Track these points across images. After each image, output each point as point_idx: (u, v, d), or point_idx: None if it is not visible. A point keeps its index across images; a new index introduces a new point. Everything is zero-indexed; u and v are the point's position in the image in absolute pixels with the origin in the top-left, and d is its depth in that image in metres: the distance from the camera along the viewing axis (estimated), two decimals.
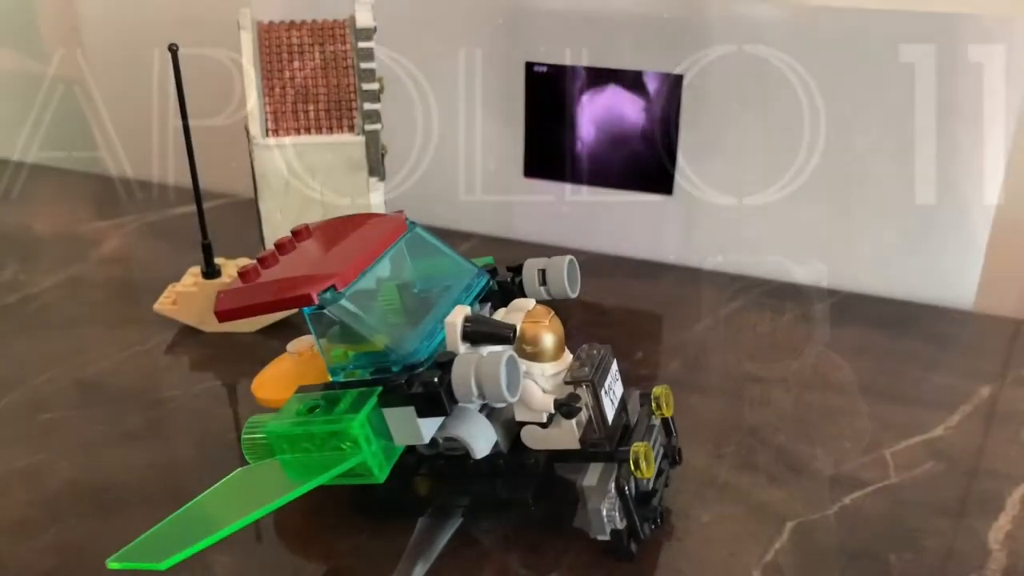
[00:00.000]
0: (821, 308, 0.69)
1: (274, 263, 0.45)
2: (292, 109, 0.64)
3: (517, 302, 0.46)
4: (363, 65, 0.64)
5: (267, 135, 0.64)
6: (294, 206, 0.66)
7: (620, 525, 0.44)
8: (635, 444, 0.43)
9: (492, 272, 0.50)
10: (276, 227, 0.66)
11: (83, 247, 0.80)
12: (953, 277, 0.69)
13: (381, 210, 0.69)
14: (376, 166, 0.66)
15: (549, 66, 0.76)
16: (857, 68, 0.67)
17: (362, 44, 0.64)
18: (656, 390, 0.48)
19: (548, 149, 0.78)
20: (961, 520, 0.48)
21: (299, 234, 0.48)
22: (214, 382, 0.62)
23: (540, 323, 0.44)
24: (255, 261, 0.45)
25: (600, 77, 0.74)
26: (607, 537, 0.44)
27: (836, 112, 0.69)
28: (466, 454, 0.45)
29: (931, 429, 0.55)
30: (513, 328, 0.43)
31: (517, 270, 0.50)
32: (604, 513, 0.43)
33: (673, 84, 0.73)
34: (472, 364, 0.40)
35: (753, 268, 0.74)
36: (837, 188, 0.71)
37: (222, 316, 0.44)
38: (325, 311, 0.42)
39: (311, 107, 0.64)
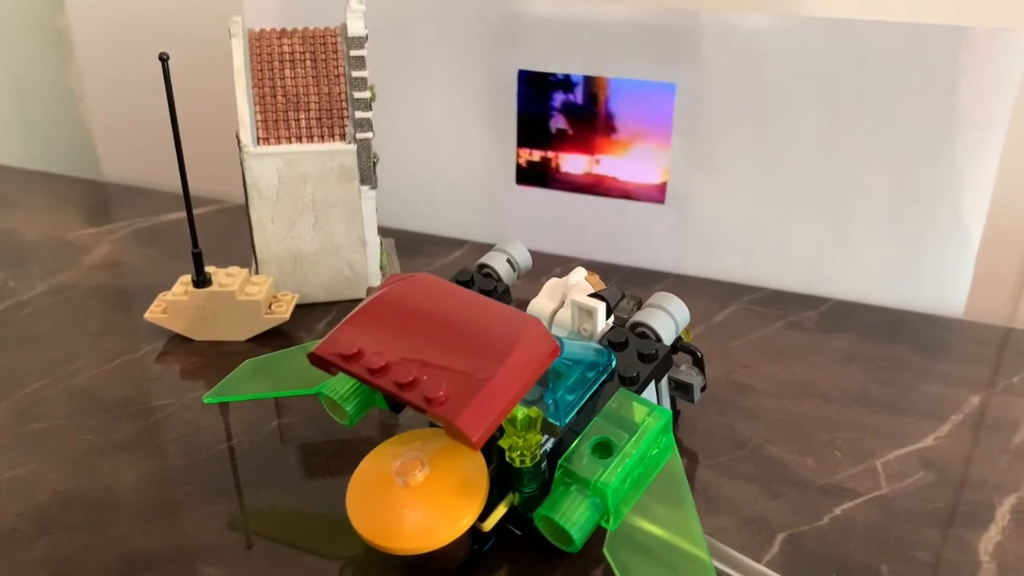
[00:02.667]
0: (812, 316, 0.69)
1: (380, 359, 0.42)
2: (283, 117, 0.64)
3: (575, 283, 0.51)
4: (354, 73, 0.64)
5: (258, 143, 0.64)
6: (285, 214, 0.66)
7: None
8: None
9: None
10: (267, 235, 0.66)
11: (73, 253, 0.80)
12: (944, 285, 0.69)
13: (372, 219, 0.69)
14: (368, 174, 0.66)
15: (541, 74, 0.76)
16: (849, 78, 0.68)
17: (354, 52, 0.64)
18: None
19: (540, 157, 0.78)
20: (952, 531, 0.48)
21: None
22: (205, 391, 0.61)
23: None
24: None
25: (592, 85, 0.74)
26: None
27: (829, 121, 0.69)
28: None
29: (922, 439, 0.55)
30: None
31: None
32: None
33: (666, 93, 0.73)
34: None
35: (745, 276, 0.74)
36: (829, 196, 0.71)
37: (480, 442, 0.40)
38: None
39: (302, 115, 0.64)
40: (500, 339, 0.41)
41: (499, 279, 0.56)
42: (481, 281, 0.55)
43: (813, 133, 0.70)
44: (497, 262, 0.57)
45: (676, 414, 0.56)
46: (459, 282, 0.54)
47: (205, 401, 0.54)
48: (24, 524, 0.49)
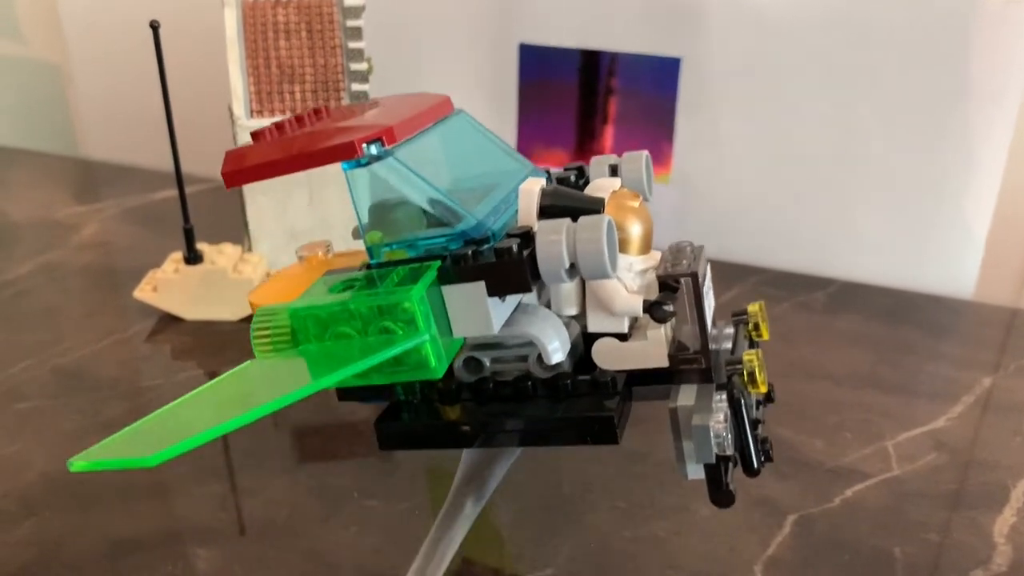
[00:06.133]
0: (819, 297, 0.68)
1: (296, 128, 0.36)
2: (277, 89, 0.62)
3: (598, 182, 0.38)
4: (351, 44, 0.62)
5: (251, 116, 0.62)
6: (278, 190, 0.64)
7: (728, 450, 0.35)
8: (746, 353, 0.35)
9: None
10: (260, 211, 0.65)
11: (61, 233, 0.78)
12: (953, 266, 0.68)
13: None
14: None
15: (543, 47, 0.74)
16: (858, 54, 0.66)
17: (350, 23, 0.62)
18: (752, 307, 0.39)
19: (541, 133, 0.76)
20: (965, 513, 0.47)
21: (317, 112, 0.39)
22: (195, 371, 0.60)
23: (629, 206, 0.36)
24: (270, 126, 0.36)
25: (595, 60, 0.73)
26: (711, 460, 0.35)
27: (837, 99, 0.68)
28: (520, 378, 0.37)
29: (933, 420, 0.54)
30: (602, 202, 0.35)
31: (579, 171, 0.41)
32: (712, 431, 0.34)
33: (671, 68, 0.71)
34: (563, 228, 0.32)
35: (751, 256, 0.73)
36: (836, 175, 0.69)
37: (232, 177, 0.35)
38: (371, 167, 0.34)
39: (297, 87, 0.62)
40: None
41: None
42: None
43: (821, 109, 0.68)
44: (599, 169, 0.42)
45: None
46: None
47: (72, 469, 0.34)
48: (10, 505, 0.47)
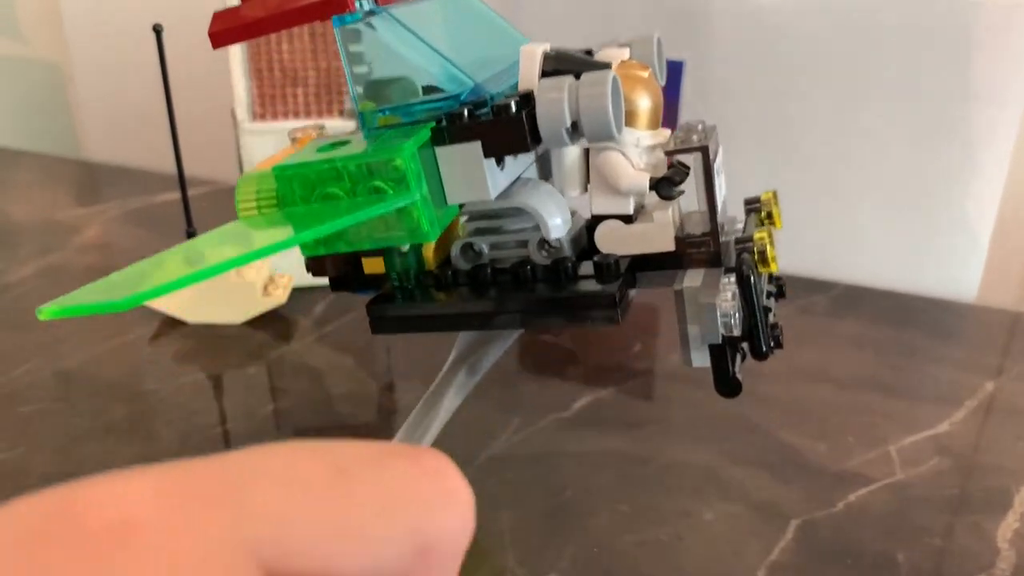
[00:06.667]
0: (822, 300, 0.67)
1: None
2: (280, 92, 0.62)
3: (605, 51, 0.36)
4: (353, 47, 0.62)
5: (254, 119, 0.62)
6: None
7: (735, 331, 0.33)
8: (757, 231, 0.33)
9: None
10: None
11: (62, 234, 0.78)
12: (956, 269, 0.68)
13: None
14: None
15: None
16: (862, 58, 0.66)
17: None
18: (764, 195, 0.38)
19: None
20: (969, 518, 0.46)
21: None
22: (198, 374, 0.60)
23: (637, 75, 0.34)
24: None
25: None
26: (717, 340, 0.33)
27: (840, 102, 0.68)
28: (518, 263, 0.35)
29: (936, 424, 0.54)
30: (609, 67, 0.33)
31: (587, 53, 0.39)
32: (719, 309, 0.32)
33: (674, 71, 0.71)
34: (565, 85, 0.30)
35: None
36: (839, 177, 0.69)
37: (220, 36, 0.33)
38: (363, 24, 0.32)
39: (300, 90, 0.62)
40: None
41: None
42: None
43: (824, 113, 0.68)
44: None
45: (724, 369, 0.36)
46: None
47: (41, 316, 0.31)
48: None
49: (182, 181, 0.61)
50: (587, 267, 0.35)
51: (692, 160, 0.33)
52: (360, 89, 0.33)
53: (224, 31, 0.33)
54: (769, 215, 0.37)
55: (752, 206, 0.38)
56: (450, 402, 0.39)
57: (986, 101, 0.64)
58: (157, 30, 0.55)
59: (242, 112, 0.62)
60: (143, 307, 0.64)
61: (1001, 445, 0.52)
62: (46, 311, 0.26)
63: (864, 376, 0.58)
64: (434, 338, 0.63)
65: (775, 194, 0.37)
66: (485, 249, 0.36)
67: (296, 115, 0.62)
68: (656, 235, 0.34)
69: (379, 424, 0.55)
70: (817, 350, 0.61)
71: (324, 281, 0.71)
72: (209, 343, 0.62)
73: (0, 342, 0.63)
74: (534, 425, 0.53)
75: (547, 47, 0.33)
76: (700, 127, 0.35)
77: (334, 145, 0.32)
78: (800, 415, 0.54)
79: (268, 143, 0.62)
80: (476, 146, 0.31)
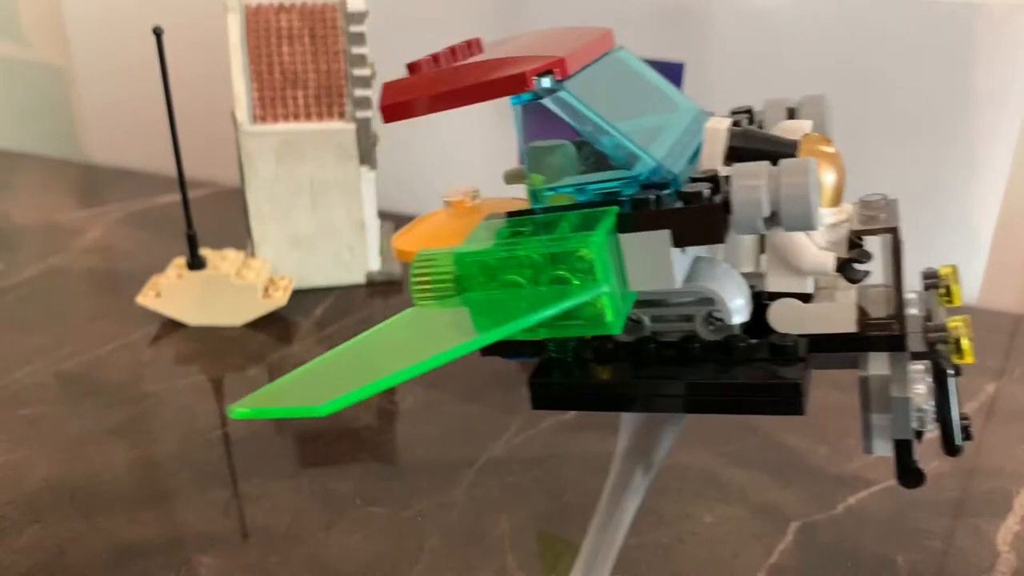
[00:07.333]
0: None
1: (452, 60, 0.34)
2: (280, 95, 0.62)
3: (785, 124, 0.35)
4: (354, 50, 0.62)
5: (254, 122, 0.62)
6: (282, 195, 0.64)
7: (927, 425, 0.32)
8: (951, 319, 0.32)
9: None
10: (263, 217, 0.65)
11: (64, 236, 0.78)
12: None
13: (372, 201, 0.67)
14: (367, 155, 0.64)
15: None
16: (862, 59, 0.66)
17: (353, 28, 0.62)
18: (943, 270, 0.35)
19: (544, 138, 0.76)
20: (968, 520, 0.46)
21: (470, 44, 0.36)
22: (198, 377, 0.60)
23: (822, 151, 0.32)
24: (427, 57, 0.34)
25: None
26: (907, 435, 0.32)
27: (840, 104, 0.68)
28: (684, 339, 0.33)
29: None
30: (796, 145, 0.32)
31: (748, 113, 0.37)
32: (914, 405, 0.31)
33: (674, 71, 0.71)
34: (764, 172, 0.29)
35: None
36: None
37: (391, 111, 0.32)
38: (544, 101, 0.31)
39: (300, 93, 0.62)
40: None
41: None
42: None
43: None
44: (775, 112, 0.40)
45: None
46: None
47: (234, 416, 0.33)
48: (13, 512, 0.47)
49: (182, 183, 0.61)
50: (761, 343, 0.33)
51: (879, 240, 0.31)
52: (531, 162, 0.33)
53: (401, 104, 0.32)
54: (948, 290, 0.35)
55: (930, 281, 0.36)
56: (628, 513, 0.37)
57: (987, 102, 0.64)
58: (157, 33, 0.56)
59: (242, 114, 0.62)
60: (143, 308, 0.64)
61: (1002, 448, 0.52)
62: (239, 412, 0.26)
63: None
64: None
65: (955, 269, 0.36)
66: (647, 321, 0.34)
67: (296, 118, 0.62)
68: (837, 316, 0.32)
69: (379, 426, 0.55)
70: None
71: (323, 283, 0.71)
72: (210, 345, 0.62)
73: (1, 344, 0.63)
74: (534, 428, 0.53)
75: (729, 123, 0.32)
76: (881, 201, 0.34)
77: (512, 228, 0.31)
78: (801, 418, 0.54)
79: (268, 145, 0.62)
80: (664, 235, 0.29)
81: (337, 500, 0.47)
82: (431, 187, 0.80)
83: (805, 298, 0.32)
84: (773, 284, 0.32)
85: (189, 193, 0.62)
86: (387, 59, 0.75)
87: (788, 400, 0.32)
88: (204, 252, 0.65)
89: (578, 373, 0.34)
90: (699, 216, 0.29)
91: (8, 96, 1.03)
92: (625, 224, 0.30)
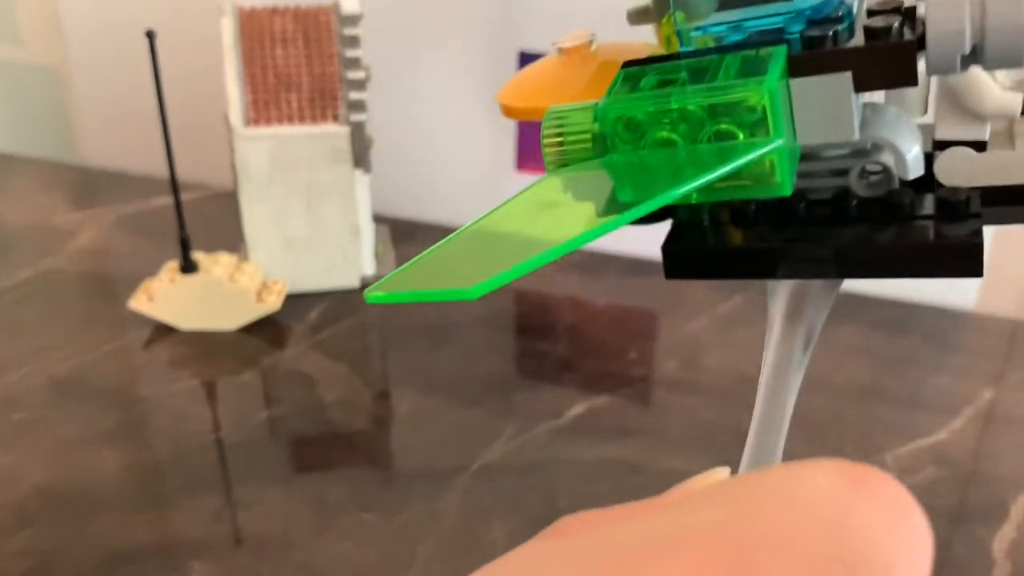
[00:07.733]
0: None
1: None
2: (274, 98, 0.62)
3: None
4: (348, 53, 0.62)
5: (248, 125, 0.62)
6: (276, 199, 0.64)
7: None
8: None
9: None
10: (257, 220, 0.64)
11: (58, 239, 0.78)
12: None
13: (366, 205, 0.67)
14: (362, 158, 0.64)
15: (543, 55, 0.74)
16: None
17: (347, 31, 0.62)
18: None
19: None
20: (965, 527, 0.46)
21: None
22: (191, 381, 0.59)
23: None
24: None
25: None
26: None
27: None
28: (835, 196, 0.30)
29: (933, 433, 0.53)
30: None
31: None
32: None
33: None
34: (966, 1, 0.25)
35: None
36: None
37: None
38: None
39: (294, 96, 0.62)
40: None
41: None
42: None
43: None
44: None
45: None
46: None
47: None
48: (4, 517, 0.47)
49: (175, 186, 0.60)
50: (925, 201, 0.29)
51: None
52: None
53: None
54: None
55: None
56: (792, 393, 0.31)
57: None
58: (150, 36, 0.55)
59: (236, 117, 0.61)
60: (135, 313, 0.64)
61: (999, 455, 0.52)
62: (375, 296, 0.22)
63: (862, 383, 0.58)
64: (428, 343, 0.63)
65: None
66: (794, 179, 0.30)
67: (290, 121, 0.62)
68: (1016, 165, 0.28)
69: (373, 431, 0.55)
70: (815, 357, 0.61)
71: (317, 287, 0.70)
72: (202, 350, 0.62)
73: None
74: (528, 433, 0.53)
75: None
76: None
77: (659, 76, 0.27)
78: (797, 422, 0.54)
79: (262, 148, 0.62)
80: (845, 78, 0.26)
81: (329, 506, 0.47)
82: (426, 190, 0.80)
83: (979, 147, 0.28)
84: (943, 131, 0.28)
85: (182, 196, 0.62)
86: (381, 62, 0.75)
87: (966, 261, 0.27)
88: (197, 256, 0.64)
89: (714, 238, 0.30)
90: (889, 55, 0.25)
91: (4, 98, 1.03)
92: (796, 67, 0.26)
